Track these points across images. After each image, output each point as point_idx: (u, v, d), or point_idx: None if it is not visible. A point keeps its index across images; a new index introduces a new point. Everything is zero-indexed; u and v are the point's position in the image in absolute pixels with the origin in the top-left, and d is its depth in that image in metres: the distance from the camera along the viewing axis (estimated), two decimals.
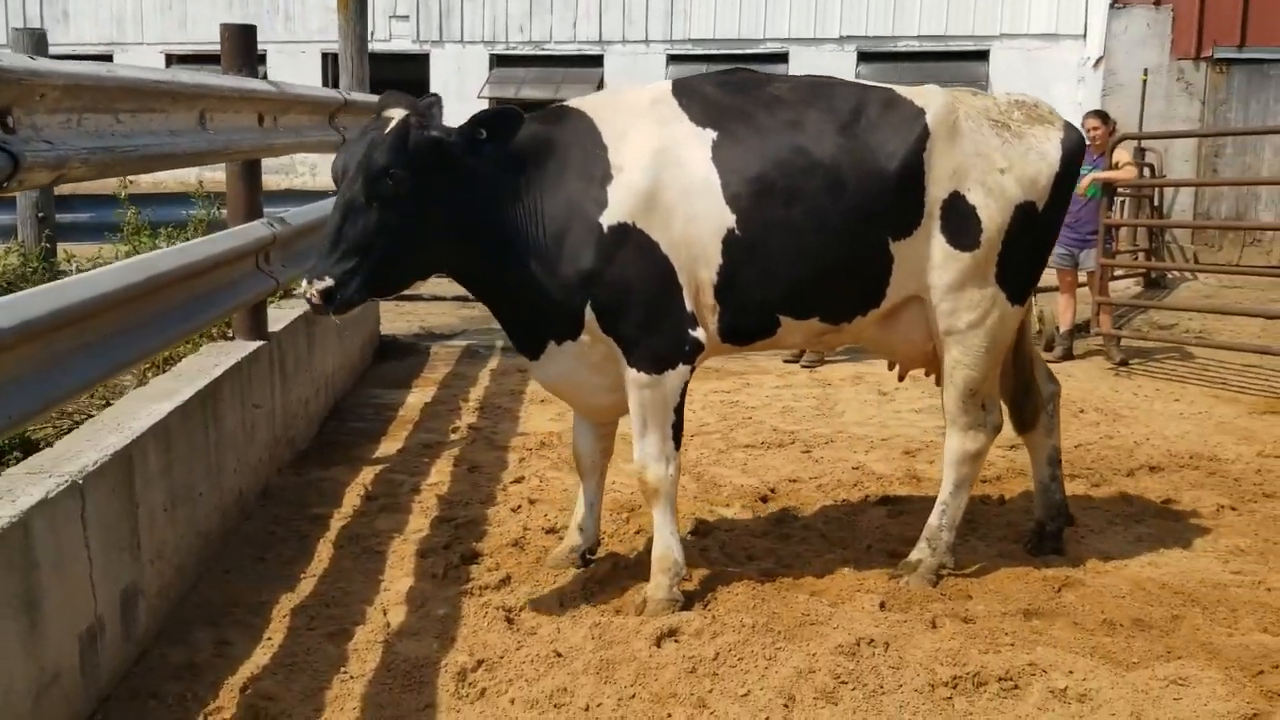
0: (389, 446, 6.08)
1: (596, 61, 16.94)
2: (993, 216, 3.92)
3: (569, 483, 5.44)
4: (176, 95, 3.92)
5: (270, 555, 4.49)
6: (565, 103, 3.95)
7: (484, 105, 17.08)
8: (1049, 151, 3.99)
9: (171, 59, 17.16)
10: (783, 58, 16.42)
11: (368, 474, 5.53)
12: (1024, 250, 4.01)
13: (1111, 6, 14.83)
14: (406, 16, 16.61)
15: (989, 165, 3.92)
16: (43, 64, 2.98)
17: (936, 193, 3.89)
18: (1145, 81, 14.44)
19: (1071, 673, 3.49)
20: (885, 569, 4.35)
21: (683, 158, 3.76)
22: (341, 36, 8.45)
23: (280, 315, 5.80)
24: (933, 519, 4.27)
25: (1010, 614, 3.98)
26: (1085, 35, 15.71)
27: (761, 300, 3.87)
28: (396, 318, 9.95)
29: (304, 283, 3.55)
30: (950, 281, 3.95)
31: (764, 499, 5.23)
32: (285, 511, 4.97)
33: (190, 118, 4.16)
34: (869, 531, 4.82)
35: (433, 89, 16.89)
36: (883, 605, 3.99)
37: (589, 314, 3.75)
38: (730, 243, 3.76)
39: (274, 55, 17.12)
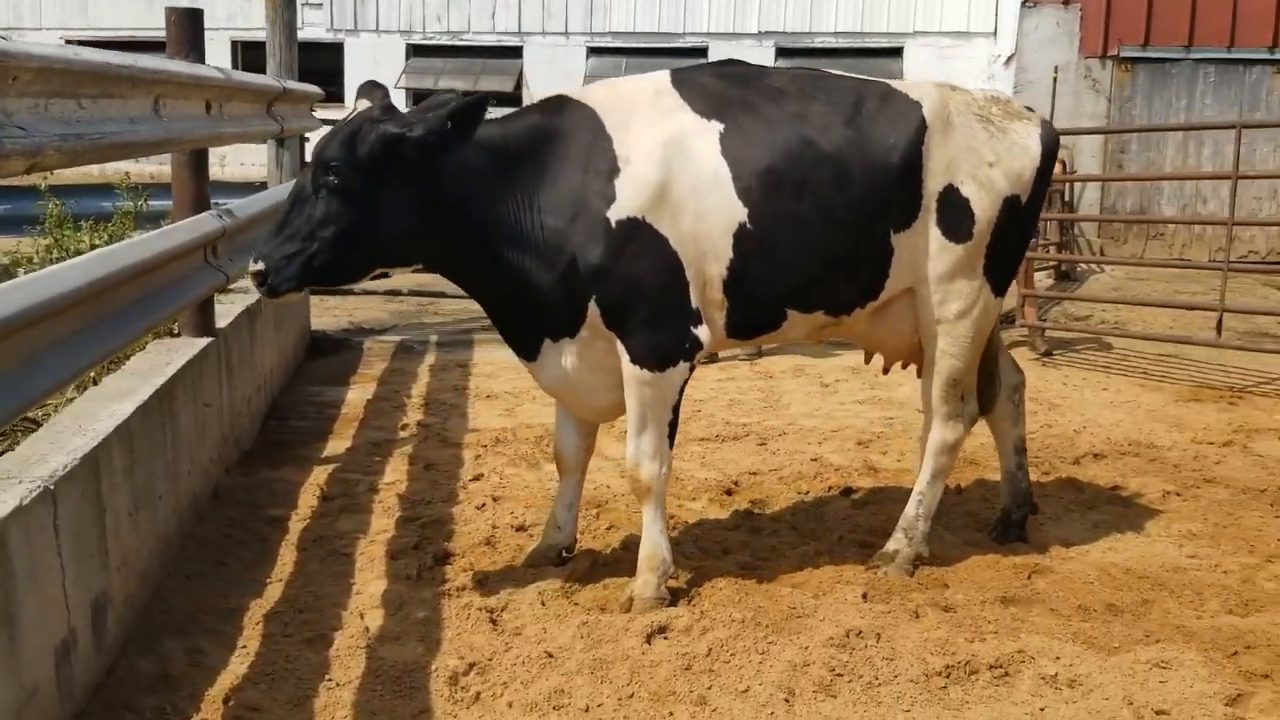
0: (337, 445, 5.92)
1: (516, 53, 16.75)
2: (984, 209, 3.97)
3: (529, 479, 5.37)
4: (136, 80, 3.74)
5: (231, 559, 4.32)
6: (563, 92, 3.86)
7: (401, 96, 16.78)
8: (1031, 146, 4.07)
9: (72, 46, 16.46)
10: (702, 52, 16.43)
11: (320, 473, 5.37)
12: (1009, 242, 4.08)
13: (1023, 5, 15.21)
14: (320, 4, 16.19)
15: (979, 159, 3.97)
16: (14, 45, 2.81)
17: (932, 186, 3.93)
18: (1056, 79, 14.84)
19: (1059, 659, 3.55)
20: (860, 560, 4.37)
21: (691, 150, 3.71)
22: (269, 24, 8.21)
23: (223, 310, 5.59)
24: (909, 509, 4.31)
25: (989, 602, 4.03)
26: (996, 33, 16.05)
27: (770, 294, 3.86)
28: (323, 313, 9.70)
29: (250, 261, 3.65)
30: (942, 272, 3.99)
31: (728, 492, 5.22)
32: (239, 514, 4.79)
33: (146, 104, 3.98)
34: (837, 523, 4.84)
35: (348, 79, 16.56)
36: (865, 596, 4.01)
37: (593, 310, 3.69)
38: (741, 237, 3.72)
39: None
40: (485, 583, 4.10)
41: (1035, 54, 15.27)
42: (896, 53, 16.60)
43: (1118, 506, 5.20)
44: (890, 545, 4.29)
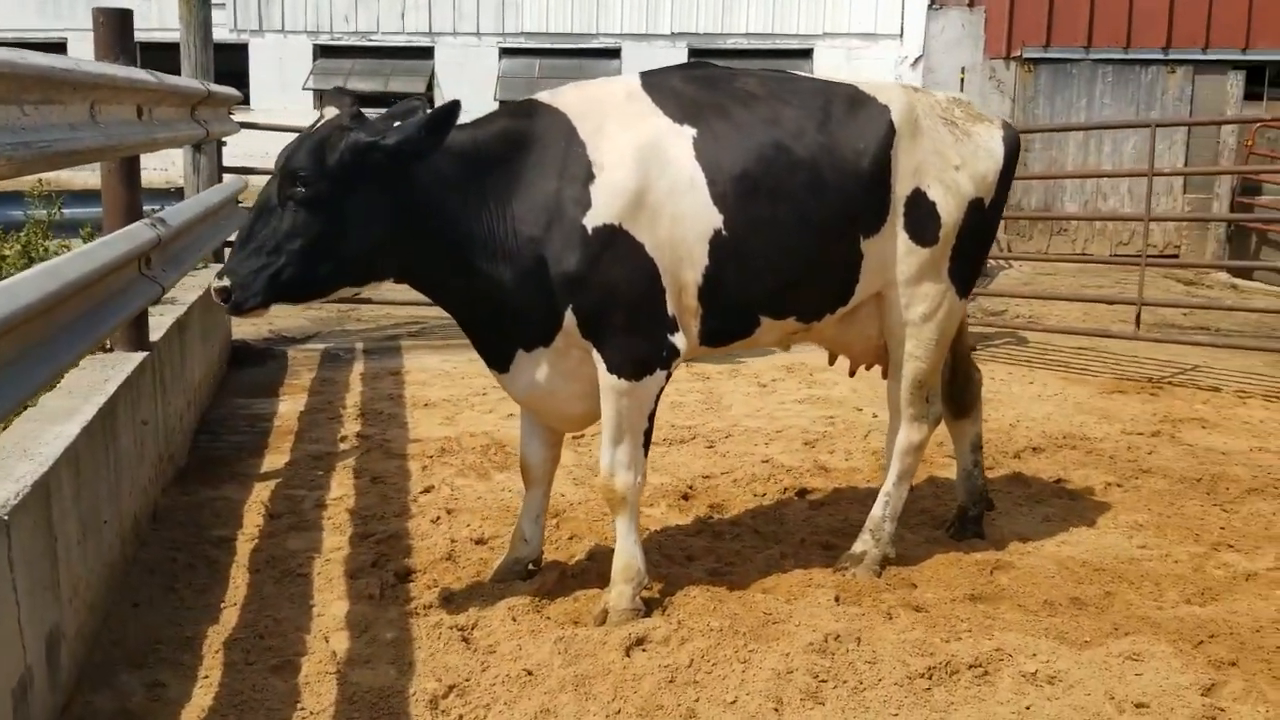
0: (275, 460, 5.72)
1: (427, 54, 16.50)
2: (950, 212, 4.00)
3: (481, 490, 5.27)
4: (76, 85, 3.55)
5: (180, 585, 4.13)
6: (533, 97, 3.77)
7: (309, 97, 16.40)
8: (995, 149, 4.11)
9: None
10: (615, 53, 16.43)
11: (262, 490, 5.19)
12: (974, 245, 4.12)
13: (929, 7, 15.51)
14: (222, 4, 15.70)
15: (945, 162, 3.99)
16: None
17: (901, 190, 3.94)
18: (963, 80, 15.16)
19: (1035, 655, 3.59)
20: (826, 562, 4.37)
21: (667, 155, 3.65)
22: (183, 25, 7.89)
23: (154, 323, 5.36)
24: (876, 510, 4.33)
25: (958, 600, 4.06)
26: (902, 35, 16.34)
27: (745, 301, 3.82)
28: (241, 320, 9.38)
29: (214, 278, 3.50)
30: (909, 276, 4.00)
31: (685, 497, 5.18)
32: (182, 535, 4.60)
33: (83, 110, 3.78)
34: (798, 525, 4.84)
35: (253, 80, 16.14)
36: (837, 599, 4.00)
37: (569, 319, 3.60)
38: (717, 243, 3.67)
39: (75, 43, 15.93)
40: (452, 600, 3.99)
41: (943, 55, 15.60)
42: (806, 54, 16.80)
43: (1064, 499, 5.30)
44: (858, 546, 4.30)
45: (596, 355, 3.66)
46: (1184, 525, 4.95)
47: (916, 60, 15.86)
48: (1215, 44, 15.16)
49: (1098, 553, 4.60)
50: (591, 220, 3.54)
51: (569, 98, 3.72)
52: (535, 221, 3.55)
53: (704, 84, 3.83)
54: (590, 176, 3.56)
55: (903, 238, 3.97)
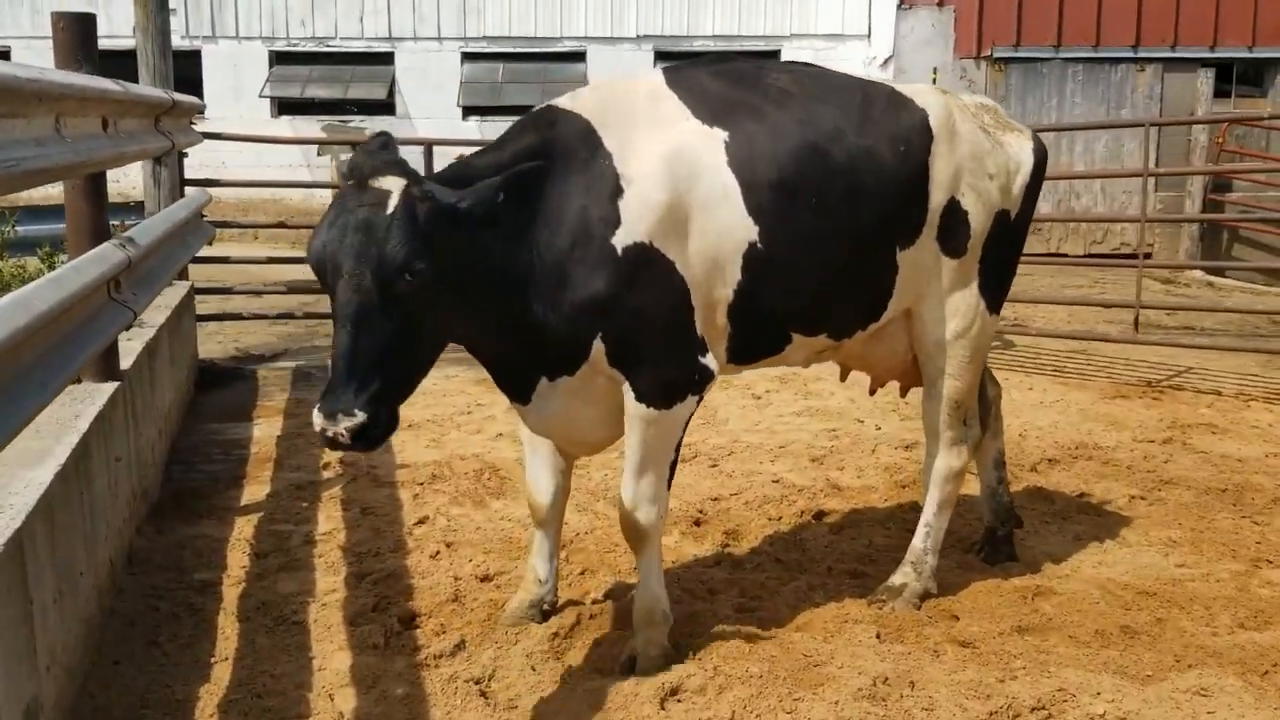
0: (255, 491, 5.37)
1: (387, 59, 16.08)
2: (981, 223, 3.78)
3: (479, 519, 4.96)
4: (43, 96, 3.21)
5: (163, 638, 3.79)
6: (551, 103, 3.43)
7: (266, 105, 15.95)
8: (1025, 159, 3.91)
9: None
10: (580, 57, 16.11)
11: (244, 526, 4.84)
12: (1006, 258, 3.93)
13: (899, 7, 15.36)
14: (174, 10, 15.20)
15: (981, 170, 3.77)
16: None
17: (938, 198, 3.71)
18: (935, 80, 15.02)
19: (1099, 694, 3.35)
20: (857, 593, 4.12)
21: (699, 163, 3.35)
22: (140, 31, 7.50)
23: (123, 348, 4.99)
24: (916, 541, 4.07)
25: (1006, 633, 3.81)
26: (870, 35, 16.18)
27: (778, 317, 3.56)
28: (206, 338, 8.99)
29: (317, 417, 2.81)
30: (942, 290, 3.79)
31: (697, 522, 4.90)
32: (162, 580, 4.25)
33: (48, 124, 3.43)
34: (821, 551, 4.58)
35: (207, 88, 15.65)
36: (878, 636, 3.74)
37: (597, 346, 3.28)
38: (752, 257, 3.38)
39: (20, 51, 15.41)
40: (464, 647, 3.68)
41: (913, 55, 15.46)
42: (773, 55, 16.57)
43: (1090, 515, 5.08)
44: (896, 579, 4.04)
45: (624, 383, 3.36)
46: (1219, 541, 4.75)
47: (886, 61, 15.70)
48: (1184, 42, 15.13)
49: (1137, 574, 4.38)
50: (620, 239, 3.22)
51: (588, 102, 3.38)
52: (560, 244, 3.21)
53: (733, 80, 3.54)
54: (618, 191, 3.23)
55: (937, 249, 3.74)
